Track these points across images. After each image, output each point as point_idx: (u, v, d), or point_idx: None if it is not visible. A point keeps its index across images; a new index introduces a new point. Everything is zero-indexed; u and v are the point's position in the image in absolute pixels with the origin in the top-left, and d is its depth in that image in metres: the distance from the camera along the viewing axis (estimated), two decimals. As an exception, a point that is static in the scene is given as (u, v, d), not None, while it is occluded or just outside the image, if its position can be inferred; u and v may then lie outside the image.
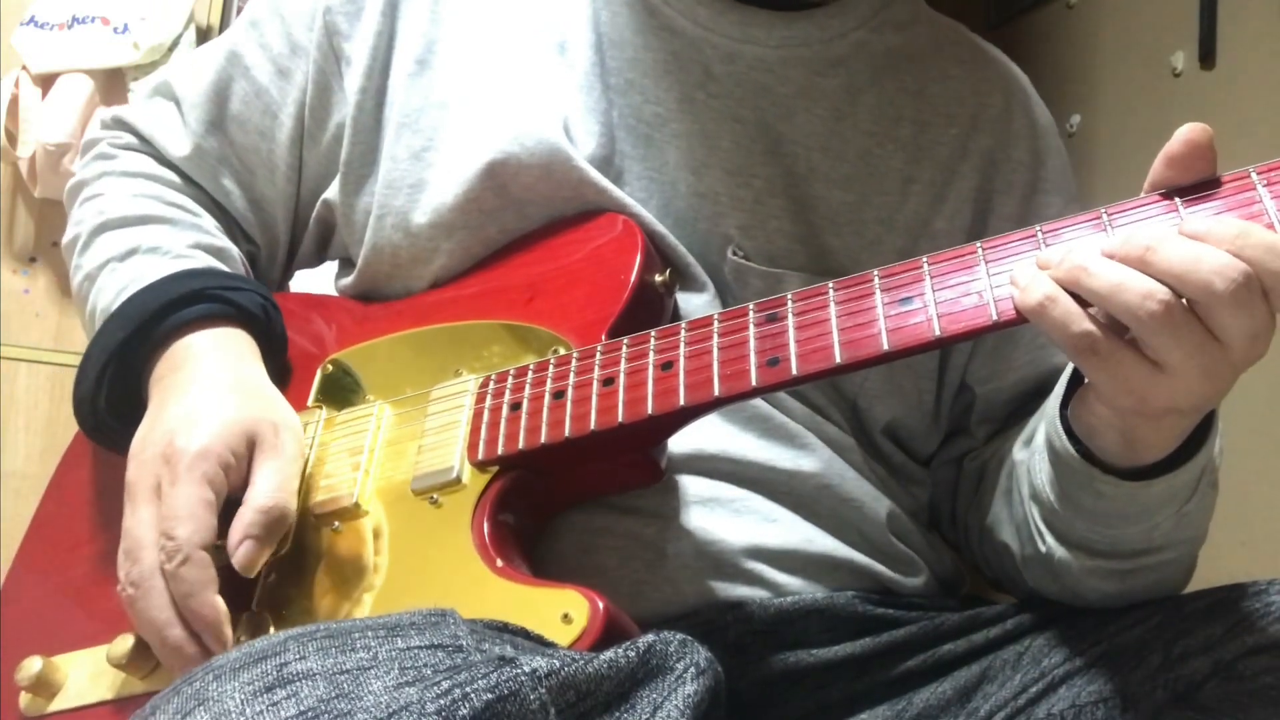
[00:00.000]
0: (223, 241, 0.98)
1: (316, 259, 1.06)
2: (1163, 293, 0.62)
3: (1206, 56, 1.77)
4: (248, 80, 1.00)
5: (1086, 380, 0.71)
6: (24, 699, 0.86)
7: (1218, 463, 0.77)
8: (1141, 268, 0.63)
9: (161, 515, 0.77)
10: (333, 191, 0.98)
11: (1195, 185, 0.67)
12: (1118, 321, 0.64)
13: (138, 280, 0.89)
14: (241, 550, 0.77)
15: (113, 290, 0.90)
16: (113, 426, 0.89)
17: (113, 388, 0.88)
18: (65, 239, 1.01)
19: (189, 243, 0.94)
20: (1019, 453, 0.87)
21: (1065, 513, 0.78)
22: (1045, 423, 0.78)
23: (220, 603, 0.76)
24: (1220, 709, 0.69)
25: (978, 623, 0.85)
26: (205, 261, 0.93)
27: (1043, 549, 0.82)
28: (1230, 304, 0.61)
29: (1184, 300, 0.62)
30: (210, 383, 0.84)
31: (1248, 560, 1.53)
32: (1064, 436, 0.75)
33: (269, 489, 0.79)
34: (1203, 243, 0.62)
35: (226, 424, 0.80)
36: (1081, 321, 0.64)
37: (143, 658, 0.82)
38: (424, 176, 0.92)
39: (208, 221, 0.99)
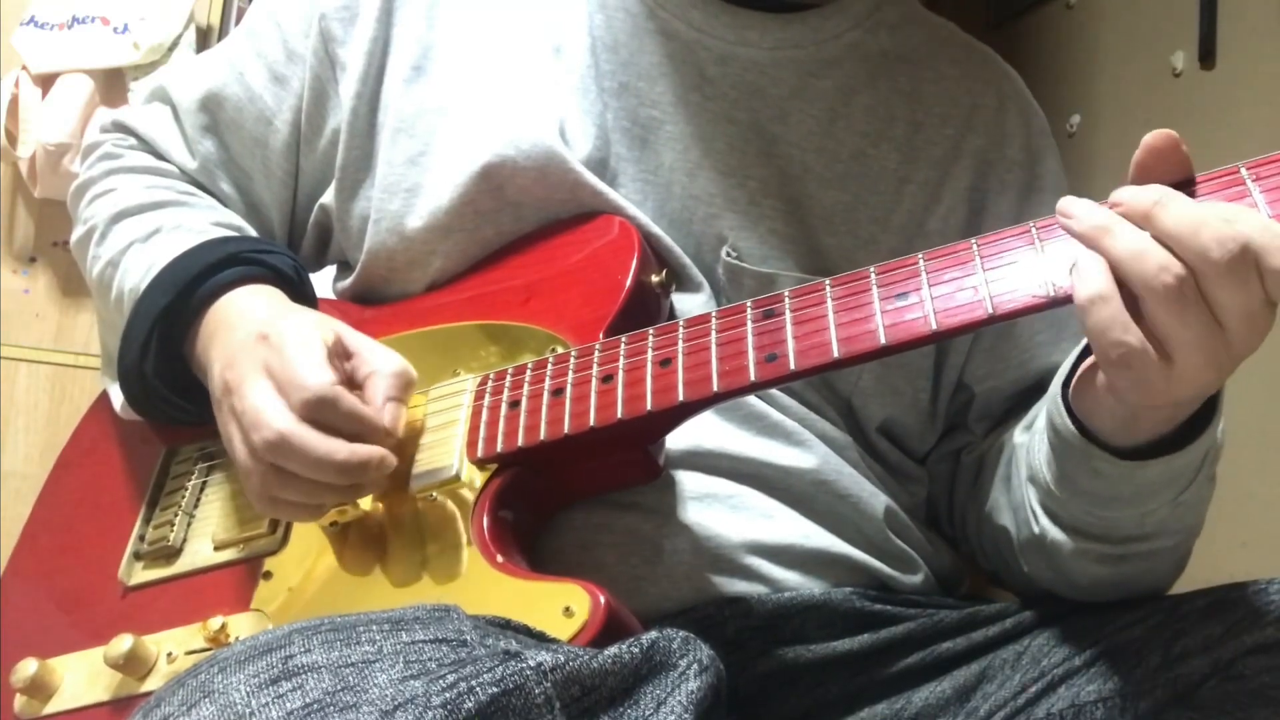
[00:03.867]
0: (239, 220, 0.99)
1: (316, 263, 1.06)
2: (1178, 267, 0.62)
3: (1206, 56, 1.76)
4: (243, 87, 1.00)
5: (1091, 361, 0.71)
6: (19, 701, 0.86)
7: (1219, 453, 0.77)
8: (1144, 222, 0.63)
9: (280, 381, 0.77)
10: (329, 196, 0.99)
11: (1184, 182, 0.67)
12: (1134, 302, 0.64)
13: (165, 256, 0.89)
14: (388, 411, 0.78)
15: (141, 269, 0.90)
16: (162, 394, 0.89)
17: (159, 355, 0.88)
18: (76, 235, 1.01)
19: (210, 220, 0.95)
20: (1019, 436, 0.88)
21: (1061, 493, 0.79)
22: (1048, 402, 0.79)
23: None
24: (1219, 708, 0.69)
25: (976, 621, 0.85)
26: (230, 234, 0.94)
27: (1036, 530, 0.82)
28: (1226, 273, 0.61)
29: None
30: (268, 310, 0.85)
31: (1248, 560, 1.52)
32: (1065, 414, 0.75)
33: (389, 355, 0.81)
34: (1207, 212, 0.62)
35: (306, 321, 0.82)
36: (1124, 332, 0.63)
37: (140, 658, 0.82)
38: (420, 181, 0.93)
39: (221, 206, 1.00)
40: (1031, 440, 0.84)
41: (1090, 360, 0.71)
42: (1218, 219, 0.62)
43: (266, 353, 0.79)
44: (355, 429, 0.76)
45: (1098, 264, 0.65)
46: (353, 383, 0.80)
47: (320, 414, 0.75)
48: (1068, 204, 0.67)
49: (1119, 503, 0.76)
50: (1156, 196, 0.63)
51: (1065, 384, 0.76)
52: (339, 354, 0.80)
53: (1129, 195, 0.65)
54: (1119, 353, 0.64)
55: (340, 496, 0.78)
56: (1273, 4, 1.66)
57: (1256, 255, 0.61)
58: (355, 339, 0.82)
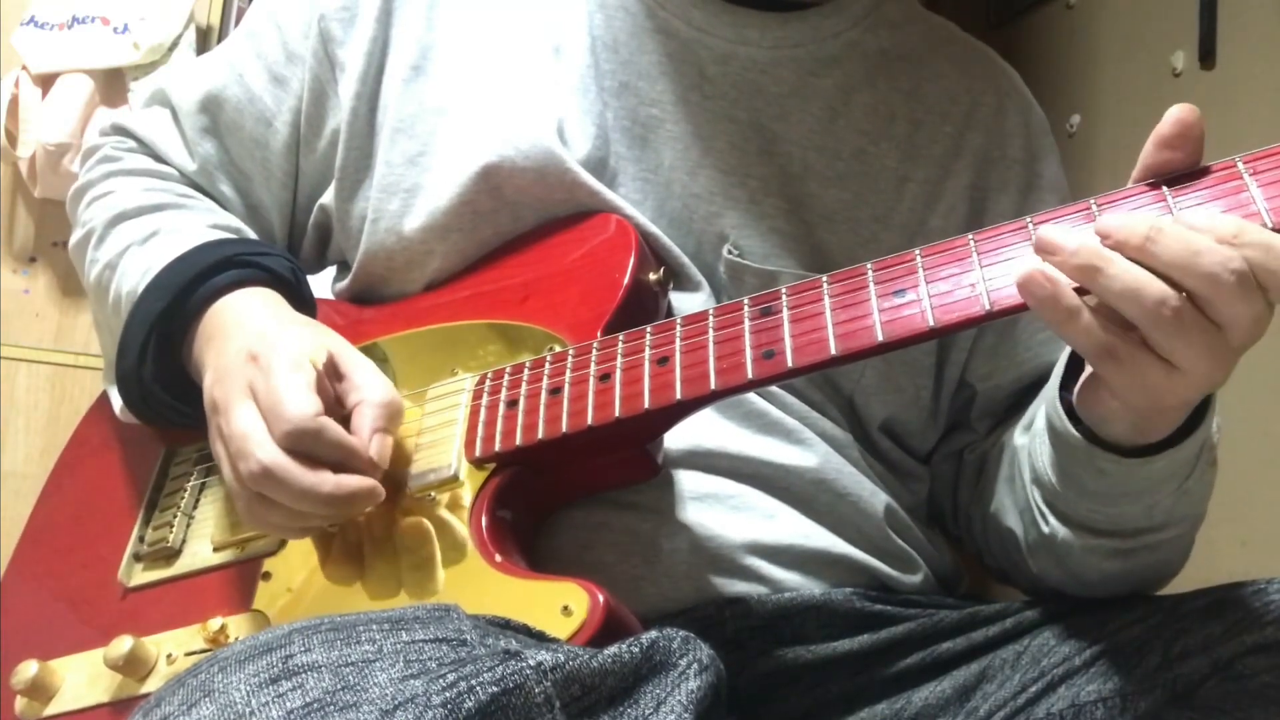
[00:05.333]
0: (238, 223, 0.98)
1: (317, 264, 1.06)
2: (1175, 299, 0.62)
3: (1206, 56, 1.77)
4: (243, 88, 1.00)
5: (1091, 371, 0.71)
6: (20, 703, 0.86)
7: (1216, 439, 0.77)
8: (1140, 255, 0.63)
9: (264, 407, 0.76)
10: (328, 196, 0.99)
11: (1183, 175, 0.67)
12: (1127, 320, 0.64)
13: (162, 259, 0.89)
14: (375, 444, 0.77)
15: (138, 272, 0.90)
16: (160, 397, 0.89)
17: (156, 358, 0.88)
18: (74, 239, 1.01)
19: (208, 223, 0.95)
20: (1019, 438, 0.88)
21: (1067, 493, 0.79)
22: (1045, 405, 0.79)
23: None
24: (1219, 708, 0.69)
25: (976, 620, 0.85)
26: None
27: (1045, 530, 0.82)
28: (1232, 296, 0.61)
29: (1187, 295, 0.62)
30: (264, 319, 0.85)
31: (1247, 560, 1.53)
32: (1064, 418, 0.75)
33: (379, 384, 0.80)
34: (1200, 234, 0.62)
35: (300, 336, 0.81)
36: (1104, 331, 0.64)
37: (140, 659, 0.82)
38: (419, 181, 0.93)
39: (219, 209, 1.00)
40: (1032, 442, 0.84)
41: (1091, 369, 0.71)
42: (1214, 242, 0.62)
43: (254, 374, 0.78)
44: (340, 459, 0.76)
45: (1046, 271, 0.64)
46: (341, 405, 0.79)
47: (303, 445, 0.75)
48: (1049, 240, 0.65)
49: (1126, 498, 0.76)
50: (1147, 228, 0.63)
51: (1062, 385, 0.76)
52: (330, 373, 0.80)
53: (1117, 225, 0.64)
54: (1107, 350, 0.65)
55: (325, 521, 0.78)
56: (1273, 4, 1.66)
57: (1258, 272, 0.61)
58: (348, 360, 0.81)
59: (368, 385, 0.80)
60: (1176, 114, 0.67)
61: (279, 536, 0.84)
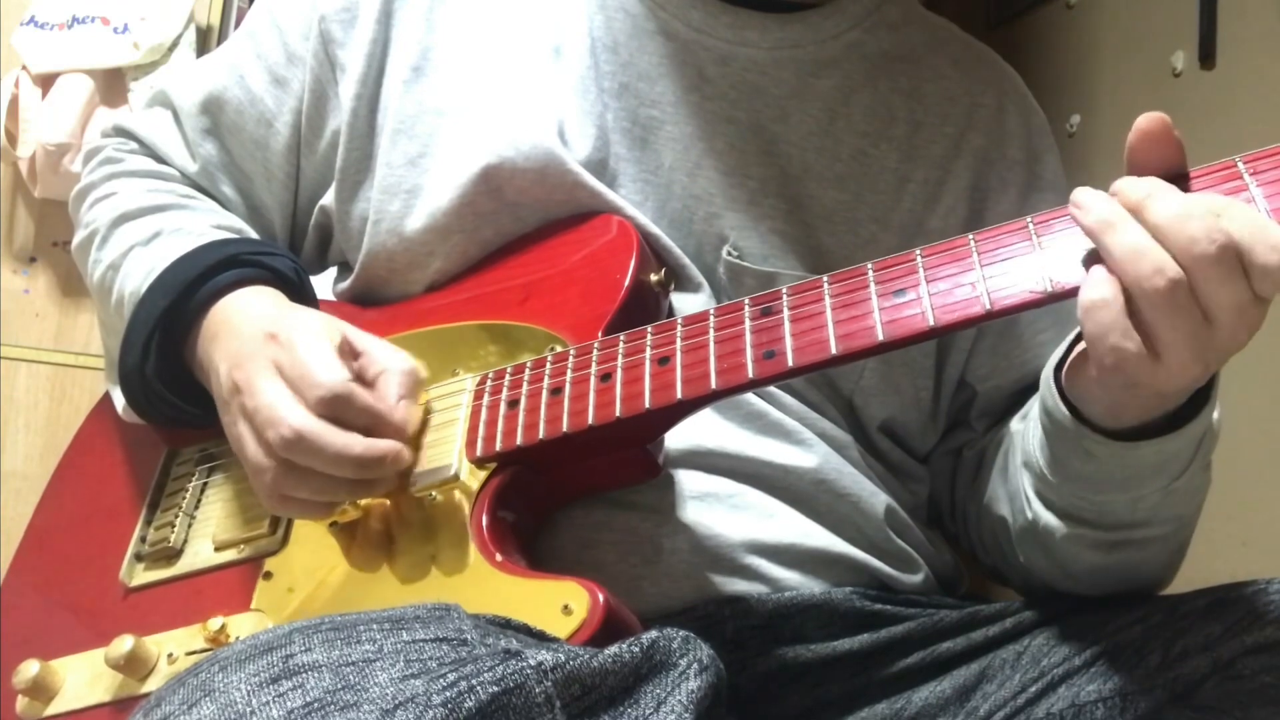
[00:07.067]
0: (240, 223, 0.99)
1: (318, 265, 1.06)
2: (1173, 270, 0.62)
3: (1206, 56, 1.77)
4: (243, 90, 1.00)
5: (1083, 348, 0.71)
6: (21, 703, 0.86)
7: (1215, 439, 0.77)
8: (1135, 214, 0.64)
9: (292, 378, 0.77)
10: (329, 198, 0.99)
11: (1183, 175, 0.67)
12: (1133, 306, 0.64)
13: (166, 258, 0.90)
14: (402, 409, 0.79)
15: (141, 272, 0.90)
16: (163, 395, 0.89)
17: (159, 357, 0.88)
18: (77, 240, 1.01)
19: (211, 223, 0.95)
20: (1015, 425, 0.89)
21: (1054, 478, 0.79)
22: (1041, 385, 0.79)
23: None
24: (1219, 708, 0.69)
25: (977, 620, 0.85)
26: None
27: (1030, 516, 0.83)
28: (1212, 267, 0.61)
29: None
30: (273, 311, 0.85)
31: (1248, 560, 1.53)
32: (1057, 396, 0.75)
33: (398, 353, 0.82)
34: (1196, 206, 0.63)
35: (312, 317, 0.83)
36: (1122, 338, 0.64)
37: (141, 659, 0.82)
38: (420, 182, 0.93)
39: (222, 210, 1.00)
40: (1026, 427, 0.84)
41: (1082, 347, 0.71)
42: (1205, 212, 0.62)
43: (276, 351, 0.79)
44: (369, 425, 0.77)
45: (1105, 271, 0.65)
46: (362, 380, 0.80)
47: (336, 410, 0.76)
48: (1081, 195, 0.67)
49: (1111, 486, 0.76)
50: (1148, 189, 0.64)
51: (1058, 367, 0.77)
52: (346, 352, 0.81)
53: (1125, 185, 0.65)
54: (1113, 359, 0.65)
55: (352, 492, 0.78)
56: (1273, 4, 1.66)
57: (1241, 251, 0.61)
58: (362, 338, 0.83)
59: (387, 356, 0.81)
60: (1142, 125, 0.67)
61: (299, 516, 0.84)
